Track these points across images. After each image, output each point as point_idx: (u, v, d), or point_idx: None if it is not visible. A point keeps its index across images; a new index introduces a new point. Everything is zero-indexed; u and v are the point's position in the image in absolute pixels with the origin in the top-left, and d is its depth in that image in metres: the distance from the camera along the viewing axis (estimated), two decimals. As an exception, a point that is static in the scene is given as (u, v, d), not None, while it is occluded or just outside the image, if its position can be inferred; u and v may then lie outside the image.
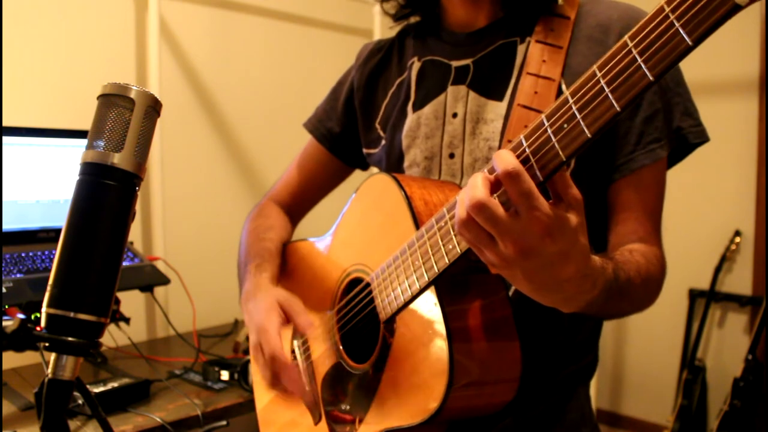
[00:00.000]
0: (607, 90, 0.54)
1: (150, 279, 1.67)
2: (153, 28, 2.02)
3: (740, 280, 2.87)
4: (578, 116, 0.56)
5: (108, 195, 0.54)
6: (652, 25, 0.52)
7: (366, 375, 0.84)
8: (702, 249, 2.91)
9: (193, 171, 2.25)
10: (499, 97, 0.87)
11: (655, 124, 0.84)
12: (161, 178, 2.07)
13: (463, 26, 0.95)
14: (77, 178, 0.55)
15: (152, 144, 0.58)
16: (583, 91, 0.56)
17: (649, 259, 0.80)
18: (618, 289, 0.70)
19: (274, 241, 1.06)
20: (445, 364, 0.72)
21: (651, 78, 0.52)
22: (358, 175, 1.17)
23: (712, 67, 2.77)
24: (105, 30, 1.99)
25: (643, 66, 0.52)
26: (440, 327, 0.73)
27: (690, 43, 0.50)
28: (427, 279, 0.73)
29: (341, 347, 0.91)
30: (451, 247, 0.69)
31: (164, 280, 1.73)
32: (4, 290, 1.38)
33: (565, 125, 0.57)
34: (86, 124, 0.57)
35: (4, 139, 1.51)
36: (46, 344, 0.52)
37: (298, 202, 1.17)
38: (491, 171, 0.61)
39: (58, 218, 1.62)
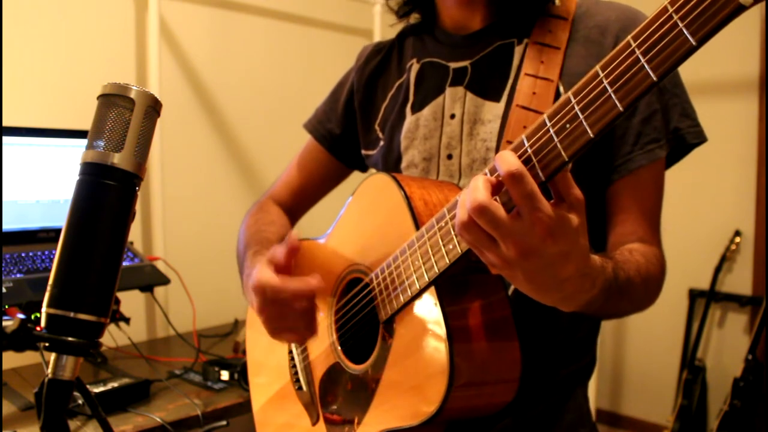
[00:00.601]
0: (609, 90, 0.54)
1: (150, 279, 1.67)
2: (153, 28, 2.02)
3: (740, 280, 2.87)
4: (581, 116, 0.56)
5: (108, 195, 0.54)
6: (656, 25, 0.52)
7: (365, 375, 0.84)
8: (702, 249, 2.91)
9: (193, 171, 2.25)
10: (497, 98, 0.87)
11: (654, 124, 0.84)
12: (161, 178, 2.07)
13: (458, 28, 0.95)
14: (77, 178, 0.55)
15: (152, 144, 0.58)
16: (585, 91, 0.56)
17: (649, 258, 0.80)
18: (618, 288, 0.70)
19: (275, 234, 1.06)
20: (445, 365, 0.72)
21: (654, 78, 0.52)
22: (356, 175, 1.17)
23: (712, 67, 2.77)
24: (105, 30, 1.99)
25: (646, 66, 0.52)
26: (440, 327, 0.73)
27: (694, 43, 0.50)
28: (427, 279, 0.73)
29: (339, 347, 0.91)
30: (451, 247, 0.69)
31: (164, 280, 1.73)
32: (4, 290, 1.38)
33: (568, 125, 0.57)
34: (86, 124, 0.57)
35: (4, 139, 1.51)
36: (46, 344, 0.52)
37: (297, 202, 1.17)
38: (492, 171, 0.60)
39: (58, 218, 1.62)
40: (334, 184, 1.18)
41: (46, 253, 1.57)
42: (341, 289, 0.93)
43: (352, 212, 0.95)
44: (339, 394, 0.89)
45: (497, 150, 0.85)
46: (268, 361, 1.08)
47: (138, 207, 1.78)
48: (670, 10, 0.51)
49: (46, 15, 1.85)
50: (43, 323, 0.53)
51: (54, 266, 0.53)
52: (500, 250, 0.59)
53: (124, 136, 0.55)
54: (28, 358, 1.57)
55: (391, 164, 0.98)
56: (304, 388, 0.97)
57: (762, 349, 2.60)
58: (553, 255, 0.58)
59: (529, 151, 0.59)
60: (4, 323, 0.53)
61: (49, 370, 0.53)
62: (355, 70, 1.08)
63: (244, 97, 2.38)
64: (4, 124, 1.59)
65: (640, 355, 3.17)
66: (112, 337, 1.72)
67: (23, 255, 1.53)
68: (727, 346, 2.92)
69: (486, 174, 0.61)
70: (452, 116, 0.90)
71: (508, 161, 0.56)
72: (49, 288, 0.53)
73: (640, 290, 0.77)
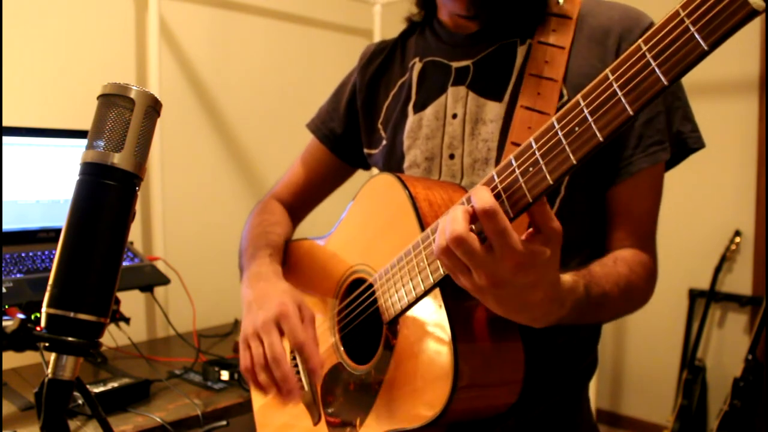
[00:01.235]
0: (620, 93, 0.54)
1: (150, 279, 1.67)
2: (153, 28, 2.02)
3: (740, 280, 2.87)
4: (590, 119, 0.56)
5: (108, 195, 0.54)
6: (667, 29, 0.51)
7: (368, 376, 0.84)
8: (702, 249, 2.91)
9: (193, 171, 2.25)
10: (498, 98, 0.87)
11: (656, 126, 0.83)
12: (161, 178, 2.07)
13: (458, 27, 0.95)
14: (77, 178, 0.55)
15: (152, 144, 0.58)
16: (595, 94, 0.56)
17: (633, 268, 0.82)
18: (590, 304, 0.73)
19: (281, 236, 1.06)
20: (449, 367, 0.71)
21: (665, 82, 0.52)
22: (360, 175, 1.17)
23: (712, 67, 2.74)
24: (105, 30, 1.99)
25: (657, 70, 0.52)
26: (444, 329, 0.73)
27: (706, 48, 0.50)
28: (432, 281, 0.73)
29: (342, 348, 0.90)
30: None
31: (164, 280, 1.73)
32: (4, 290, 1.38)
33: (577, 128, 0.57)
34: (86, 124, 0.57)
35: (4, 139, 1.51)
36: (46, 344, 0.52)
37: (300, 202, 1.17)
38: (469, 200, 0.62)
39: (58, 218, 1.62)
40: (338, 183, 1.18)
41: (46, 253, 1.57)
42: (344, 289, 0.92)
43: (355, 212, 0.94)
44: (341, 394, 0.89)
45: (499, 150, 0.85)
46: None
47: (138, 207, 1.78)
48: (682, 14, 0.50)
49: (46, 15, 1.85)
50: (43, 323, 0.52)
51: (54, 266, 0.53)
52: (473, 277, 0.61)
53: (124, 136, 0.55)
54: (28, 358, 1.57)
55: (393, 163, 0.97)
56: (306, 388, 0.96)
57: (762, 349, 2.60)
58: (522, 285, 0.61)
59: (537, 153, 0.59)
60: (4, 323, 0.53)
61: (49, 370, 0.52)
62: (358, 70, 1.08)
63: (244, 97, 2.38)
64: (4, 124, 1.59)
65: (640, 355, 3.17)
66: (112, 337, 1.72)
67: (23, 255, 1.52)
68: (727, 346, 2.92)
69: (463, 203, 0.63)
70: (454, 116, 0.90)
71: (482, 198, 0.58)
72: (49, 288, 0.53)
73: (618, 301, 0.79)
